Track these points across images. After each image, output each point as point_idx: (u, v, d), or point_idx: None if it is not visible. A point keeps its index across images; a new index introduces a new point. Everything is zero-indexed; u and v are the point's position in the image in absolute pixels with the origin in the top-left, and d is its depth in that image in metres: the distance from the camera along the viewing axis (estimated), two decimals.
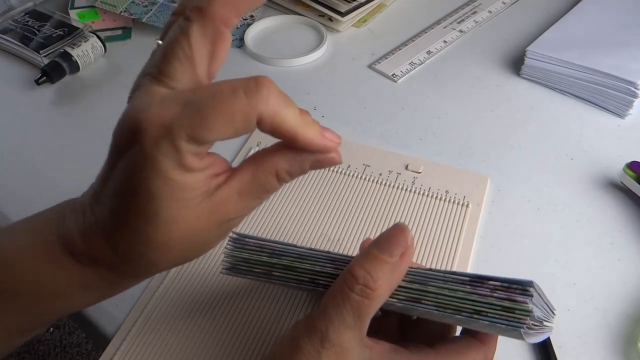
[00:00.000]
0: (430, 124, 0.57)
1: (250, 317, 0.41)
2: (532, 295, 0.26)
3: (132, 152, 0.26)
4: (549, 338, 0.39)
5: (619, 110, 0.57)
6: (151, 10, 0.71)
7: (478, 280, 0.27)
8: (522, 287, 0.26)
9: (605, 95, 0.57)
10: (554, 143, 0.55)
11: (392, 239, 0.29)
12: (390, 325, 0.35)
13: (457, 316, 0.27)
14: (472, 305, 0.27)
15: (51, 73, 0.62)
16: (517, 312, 0.26)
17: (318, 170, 0.50)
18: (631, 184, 0.48)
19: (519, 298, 0.26)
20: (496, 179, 0.51)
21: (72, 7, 0.72)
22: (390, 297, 0.29)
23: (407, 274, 0.29)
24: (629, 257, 0.45)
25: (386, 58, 0.66)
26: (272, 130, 0.26)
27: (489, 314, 0.26)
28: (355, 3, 0.70)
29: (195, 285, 0.43)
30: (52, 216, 0.30)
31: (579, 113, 0.58)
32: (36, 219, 0.31)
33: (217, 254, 0.44)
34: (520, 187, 0.50)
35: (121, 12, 0.70)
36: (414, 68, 0.64)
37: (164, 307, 0.41)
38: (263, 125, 0.26)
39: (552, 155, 0.53)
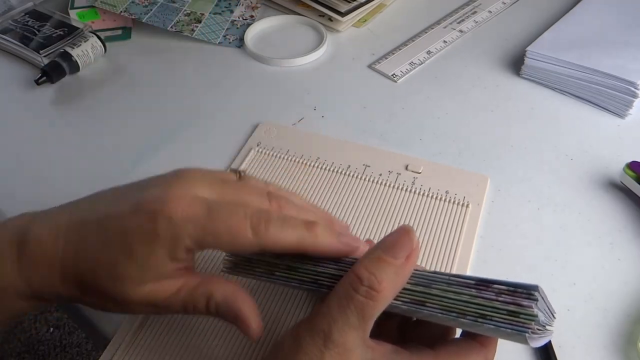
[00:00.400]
0: (430, 124, 0.57)
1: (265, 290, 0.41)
2: (537, 300, 0.26)
3: (144, 221, 0.29)
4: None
5: (619, 110, 0.57)
6: (151, 10, 0.71)
7: (483, 283, 0.27)
8: (528, 292, 0.26)
9: (605, 95, 0.57)
10: (554, 143, 0.55)
11: (397, 241, 0.29)
12: (390, 327, 0.35)
13: (462, 320, 0.27)
14: (477, 308, 0.27)
15: (51, 73, 0.62)
16: (522, 316, 0.26)
17: (318, 171, 0.50)
18: (631, 184, 0.48)
19: (525, 302, 0.26)
20: (496, 179, 0.51)
21: (72, 7, 0.72)
22: (395, 299, 0.29)
23: (411, 276, 0.29)
24: (629, 257, 0.45)
25: (386, 58, 0.66)
26: (278, 250, 0.30)
27: (494, 318, 0.26)
28: (355, 3, 0.70)
29: None
30: (9, 225, 0.33)
31: (579, 113, 0.58)
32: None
33: (218, 254, 0.44)
34: (520, 187, 0.50)
35: (121, 12, 0.70)
36: (414, 68, 0.64)
37: None
38: (267, 250, 0.30)
39: (552, 155, 0.53)
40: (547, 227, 0.47)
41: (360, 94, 0.61)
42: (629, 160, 0.49)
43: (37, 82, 0.62)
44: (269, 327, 0.40)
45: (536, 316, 0.25)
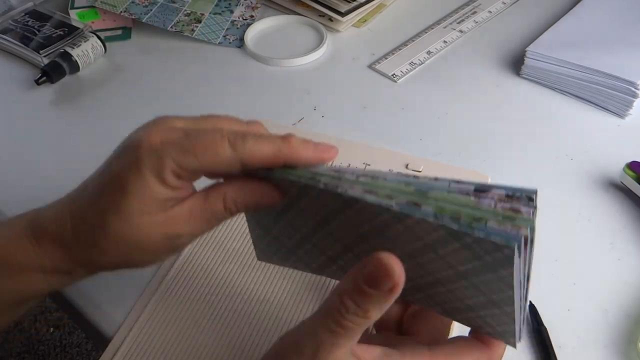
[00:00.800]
0: (430, 124, 0.57)
1: (250, 319, 0.41)
2: (535, 207, 0.25)
3: (129, 155, 0.31)
4: (549, 338, 0.39)
5: (619, 110, 0.57)
6: (151, 10, 0.71)
7: (482, 189, 0.26)
8: (528, 196, 0.26)
9: (605, 95, 0.57)
10: (554, 143, 0.55)
11: (379, 274, 0.27)
12: (388, 322, 0.35)
13: (453, 226, 0.25)
14: (472, 211, 0.25)
15: (51, 73, 0.62)
16: (518, 220, 0.25)
17: None
18: (631, 184, 0.48)
19: (523, 208, 0.25)
20: (496, 179, 0.51)
21: (72, 7, 0.72)
22: (389, 198, 0.27)
23: (412, 183, 0.28)
24: (629, 257, 0.45)
25: (386, 58, 0.66)
26: (258, 165, 0.31)
27: (488, 222, 0.25)
28: (355, 3, 0.70)
29: (194, 287, 0.43)
30: (26, 213, 0.36)
31: (579, 113, 0.58)
32: (14, 216, 0.36)
33: (218, 256, 0.44)
34: None
35: (121, 12, 0.70)
36: (414, 68, 0.64)
37: (163, 309, 0.41)
38: (247, 164, 0.31)
39: (552, 155, 0.53)
40: (547, 227, 0.47)
41: (360, 94, 0.61)
42: (629, 160, 0.49)
43: (37, 82, 0.62)
44: (269, 331, 0.40)
45: (531, 221, 0.25)
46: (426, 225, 0.26)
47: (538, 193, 0.26)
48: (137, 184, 0.30)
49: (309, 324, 0.28)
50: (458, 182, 0.27)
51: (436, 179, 0.28)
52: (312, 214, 0.32)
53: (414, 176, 0.28)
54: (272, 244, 0.37)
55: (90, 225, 0.32)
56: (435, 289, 0.30)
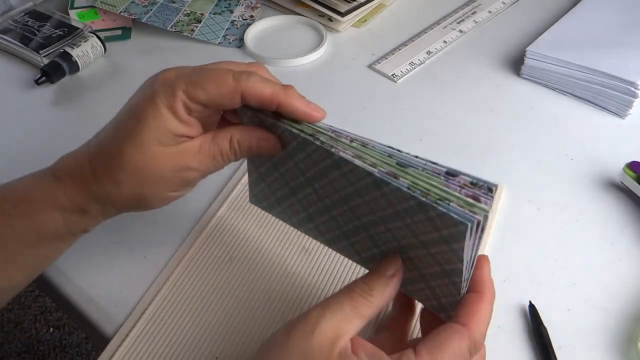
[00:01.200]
0: (430, 124, 0.57)
1: (250, 321, 0.41)
2: (493, 198, 0.30)
3: (146, 89, 0.35)
4: (549, 338, 0.39)
5: (619, 110, 0.57)
6: (151, 10, 0.71)
7: (452, 173, 0.31)
8: (488, 188, 0.30)
9: (605, 95, 0.57)
10: (554, 143, 0.55)
11: (387, 261, 0.33)
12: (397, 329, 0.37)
13: (422, 199, 0.29)
14: (440, 192, 0.29)
15: (51, 73, 0.62)
16: (476, 208, 0.28)
17: None
18: (631, 184, 0.48)
19: (482, 198, 0.29)
20: (496, 179, 0.50)
21: (72, 7, 0.72)
22: (373, 166, 0.31)
23: (395, 156, 0.32)
24: (629, 257, 0.45)
25: (386, 58, 0.66)
26: (256, 101, 0.34)
27: (451, 203, 0.29)
28: (355, 3, 0.70)
29: (196, 289, 0.43)
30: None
31: (579, 113, 0.58)
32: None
33: (219, 261, 0.44)
34: (520, 188, 0.50)
35: (121, 12, 0.70)
36: (414, 68, 0.64)
37: (164, 310, 0.41)
38: (246, 97, 0.34)
39: (552, 155, 0.53)
40: (547, 227, 0.47)
41: (360, 94, 0.61)
42: (629, 160, 0.49)
43: (37, 82, 0.62)
44: (268, 332, 0.40)
45: (488, 211, 0.29)
46: (400, 195, 0.30)
47: (502, 187, 0.30)
48: (152, 115, 0.34)
49: (319, 305, 0.31)
50: (434, 163, 0.32)
51: (416, 156, 0.32)
52: (303, 170, 0.35)
53: (398, 150, 0.33)
54: (264, 191, 0.40)
55: (107, 155, 0.35)
56: (401, 256, 0.34)
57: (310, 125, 0.34)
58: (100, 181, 0.35)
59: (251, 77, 0.34)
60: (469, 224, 0.28)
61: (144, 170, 0.34)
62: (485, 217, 0.28)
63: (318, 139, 0.33)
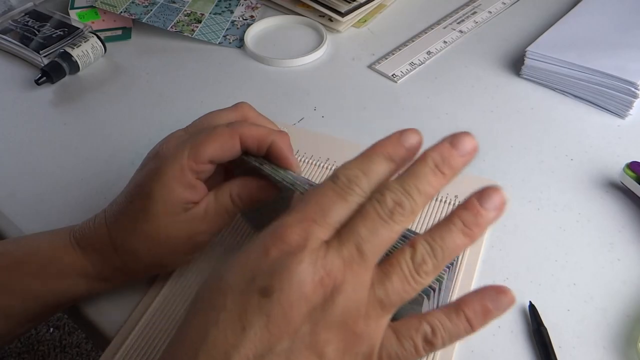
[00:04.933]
0: (430, 124, 0.57)
1: None
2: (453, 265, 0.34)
3: (150, 164, 0.37)
4: (549, 338, 0.39)
5: (619, 110, 0.57)
6: (151, 10, 0.71)
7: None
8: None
9: (605, 95, 0.57)
10: (554, 143, 0.55)
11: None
12: None
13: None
14: None
15: (51, 73, 0.62)
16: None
17: (318, 170, 0.50)
18: (631, 184, 0.48)
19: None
20: (496, 179, 0.51)
21: (72, 7, 0.72)
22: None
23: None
24: (629, 257, 0.45)
25: (386, 58, 0.66)
26: (253, 141, 0.37)
27: None
28: (355, 3, 0.70)
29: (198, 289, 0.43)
30: (64, 228, 0.41)
31: (579, 113, 0.58)
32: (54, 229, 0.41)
33: (219, 259, 0.44)
34: (520, 187, 0.50)
35: (121, 12, 0.70)
36: (414, 68, 0.64)
37: (165, 310, 0.41)
38: (244, 139, 0.36)
39: (552, 155, 0.53)
40: (547, 228, 0.47)
41: (360, 94, 0.61)
42: (629, 160, 0.49)
43: (37, 82, 0.62)
44: None
45: (443, 277, 0.32)
46: None
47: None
48: (159, 191, 0.36)
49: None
50: (410, 231, 0.34)
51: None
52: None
53: None
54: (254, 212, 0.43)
55: (124, 231, 0.37)
56: None
57: (290, 175, 0.37)
58: (122, 256, 0.38)
59: (243, 123, 0.37)
60: (425, 297, 0.31)
61: (159, 241, 0.37)
62: (440, 281, 0.32)
63: (297, 189, 0.36)
